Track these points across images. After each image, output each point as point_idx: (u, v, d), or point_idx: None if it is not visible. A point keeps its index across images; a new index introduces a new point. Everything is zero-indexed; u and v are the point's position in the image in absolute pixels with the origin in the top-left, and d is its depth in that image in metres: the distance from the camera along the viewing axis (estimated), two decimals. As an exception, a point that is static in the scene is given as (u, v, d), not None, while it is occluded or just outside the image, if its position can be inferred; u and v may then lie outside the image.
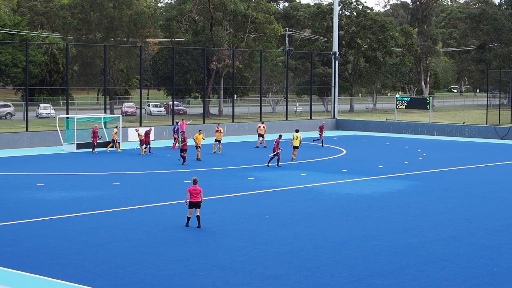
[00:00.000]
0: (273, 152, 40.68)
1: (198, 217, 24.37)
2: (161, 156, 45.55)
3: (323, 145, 53.15)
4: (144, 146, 46.86)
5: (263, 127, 52.84)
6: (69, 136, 50.20)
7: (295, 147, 43.79)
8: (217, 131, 47.75)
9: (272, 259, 20.63)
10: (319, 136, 53.84)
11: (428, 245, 22.57)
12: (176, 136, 50.08)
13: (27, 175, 37.16)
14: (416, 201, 30.67)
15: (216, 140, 47.65)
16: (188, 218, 24.56)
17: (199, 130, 45.45)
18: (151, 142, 47.91)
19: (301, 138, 44.23)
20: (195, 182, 24.57)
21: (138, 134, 48.44)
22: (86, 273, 19.01)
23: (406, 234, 24.15)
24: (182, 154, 41.31)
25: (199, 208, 24.38)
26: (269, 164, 41.00)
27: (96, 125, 49.39)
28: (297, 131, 44.62)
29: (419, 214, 27.67)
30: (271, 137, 61.47)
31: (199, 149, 43.42)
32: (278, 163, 41.05)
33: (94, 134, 47.77)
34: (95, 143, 47.74)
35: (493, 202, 30.70)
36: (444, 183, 36.07)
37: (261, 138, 52.34)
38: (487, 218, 27.09)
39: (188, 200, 24.31)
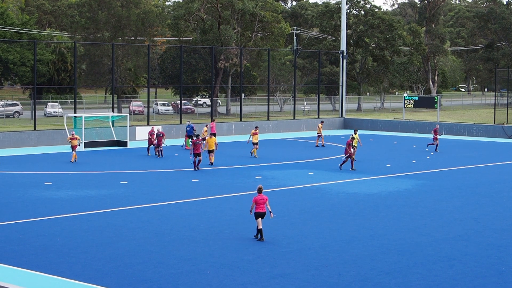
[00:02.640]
0: (345, 154, 39.44)
1: (261, 229, 22.69)
2: (169, 156, 45.55)
3: (437, 149, 49.83)
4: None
5: (318, 126, 53.35)
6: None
7: (354, 147, 43.42)
8: (254, 133, 45.65)
9: (280, 258, 20.63)
10: (433, 140, 50.09)
11: (435, 244, 22.54)
12: (186, 137, 48.89)
13: (34, 173, 37.26)
14: (424, 200, 30.63)
15: (254, 143, 45.50)
16: (259, 230, 22.64)
17: (210, 134, 43.12)
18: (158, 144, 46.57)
19: (358, 139, 43.10)
20: (260, 190, 22.72)
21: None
22: (94, 271, 19.05)
23: (414, 233, 24.12)
24: (195, 158, 38.73)
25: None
26: (341, 167, 39.72)
27: (152, 126, 48.97)
28: (355, 131, 43.72)
29: (426, 213, 27.64)
30: (280, 136, 61.54)
31: (211, 153, 40.74)
32: (352, 166, 39.53)
33: (155, 136, 45.08)
34: (153, 146, 45.26)
35: (500, 201, 30.65)
36: (451, 182, 36.01)
37: (319, 137, 52.58)
38: (495, 217, 27.04)
39: (253, 210, 22.66)
